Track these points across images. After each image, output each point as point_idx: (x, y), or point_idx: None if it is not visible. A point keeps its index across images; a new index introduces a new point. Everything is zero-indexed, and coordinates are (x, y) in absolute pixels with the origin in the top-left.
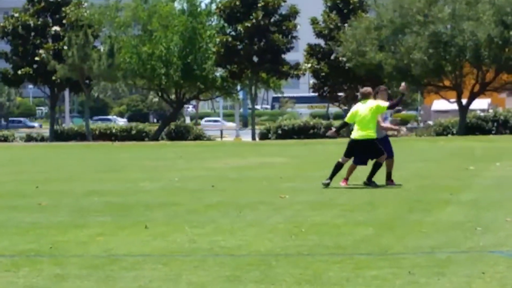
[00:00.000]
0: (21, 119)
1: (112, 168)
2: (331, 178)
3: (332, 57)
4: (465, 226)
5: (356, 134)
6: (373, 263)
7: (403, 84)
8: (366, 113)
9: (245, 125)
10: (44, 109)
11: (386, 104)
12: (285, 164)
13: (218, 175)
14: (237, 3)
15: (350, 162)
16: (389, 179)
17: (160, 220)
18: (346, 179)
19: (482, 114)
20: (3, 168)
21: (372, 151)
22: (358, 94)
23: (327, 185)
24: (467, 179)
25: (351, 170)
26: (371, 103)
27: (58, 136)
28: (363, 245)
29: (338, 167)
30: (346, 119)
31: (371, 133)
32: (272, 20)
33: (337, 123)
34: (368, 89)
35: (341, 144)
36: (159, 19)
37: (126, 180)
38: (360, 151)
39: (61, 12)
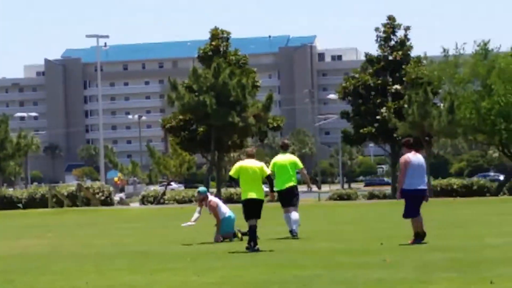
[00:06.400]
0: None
1: (455, 224)
2: None
3: None
4: None
5: None
6: None
7: None
8: None
9: None
10: (385, 167)
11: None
12: None
13: None
14: None
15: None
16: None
17: (507, 276)
18: None
19: None
20: (349, 225)
21: None
22: None
23: None
24: None
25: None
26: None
27: None
28: None
29: None
30: None
31: None
32: None
33: None
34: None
35: None
36: (499, 73)
37: (470, 235)
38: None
39: (400, 71)
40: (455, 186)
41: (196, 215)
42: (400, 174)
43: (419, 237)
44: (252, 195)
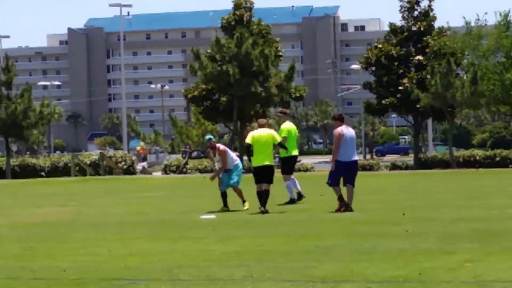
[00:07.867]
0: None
1: (478, 195)
2: None
3: None
4: None
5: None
6: None
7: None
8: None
9: None
10: (408, 138)
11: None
12: None
13: None
14: None
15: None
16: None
17: None
18: None
19: None
20: (370, 196)
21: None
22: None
23: None
24: None
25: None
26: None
27: (422, 164)
28: None
29: None
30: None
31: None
32: None
33: None
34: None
35: None
36: None
37: (492, 206)
38: None
39: (423, 42)
40: (477, 157)
41: (216, 168)
42: (334, 147)
43: (343, 201)
44: (264, 161)
